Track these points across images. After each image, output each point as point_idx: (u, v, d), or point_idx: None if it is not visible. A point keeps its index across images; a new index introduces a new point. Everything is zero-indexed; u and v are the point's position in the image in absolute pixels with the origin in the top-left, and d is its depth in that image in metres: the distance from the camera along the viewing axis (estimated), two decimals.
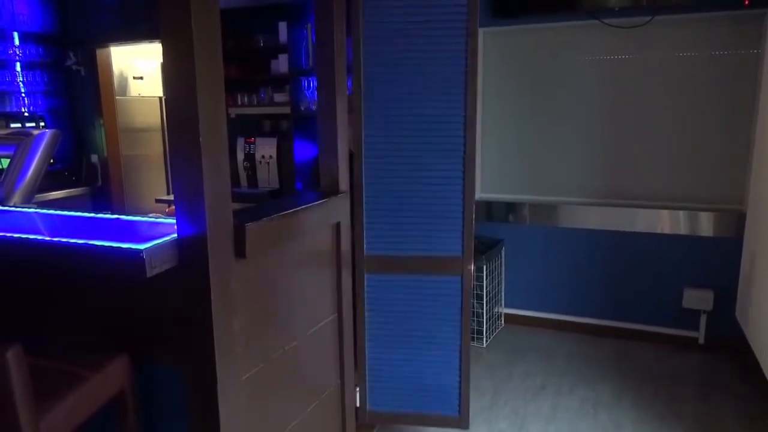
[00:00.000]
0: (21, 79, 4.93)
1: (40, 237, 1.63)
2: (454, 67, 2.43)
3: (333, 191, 2.19)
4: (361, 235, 2.55)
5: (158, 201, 4.86)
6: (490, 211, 4.11)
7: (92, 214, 2.01)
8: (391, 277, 2.59)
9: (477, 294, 3.75)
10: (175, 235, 1.52)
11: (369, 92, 2.49)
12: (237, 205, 1.80)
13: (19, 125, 4.76)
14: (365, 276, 2.59)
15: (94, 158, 5.34)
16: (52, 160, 3.66)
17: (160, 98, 5.66)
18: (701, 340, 3.67)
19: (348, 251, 2.26)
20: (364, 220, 2.56)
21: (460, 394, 2.64)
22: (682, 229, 3.64)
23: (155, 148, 5.87)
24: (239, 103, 4.73)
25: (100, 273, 1.69)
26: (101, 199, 5.29)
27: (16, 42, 4.87)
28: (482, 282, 3.73)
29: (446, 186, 2.49)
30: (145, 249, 1.44)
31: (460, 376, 2.63)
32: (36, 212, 2.09)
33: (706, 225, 3.59)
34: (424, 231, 2.53)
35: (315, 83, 4.19)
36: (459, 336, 2.58)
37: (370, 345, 2.66)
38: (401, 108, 2.48)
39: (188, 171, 1.45)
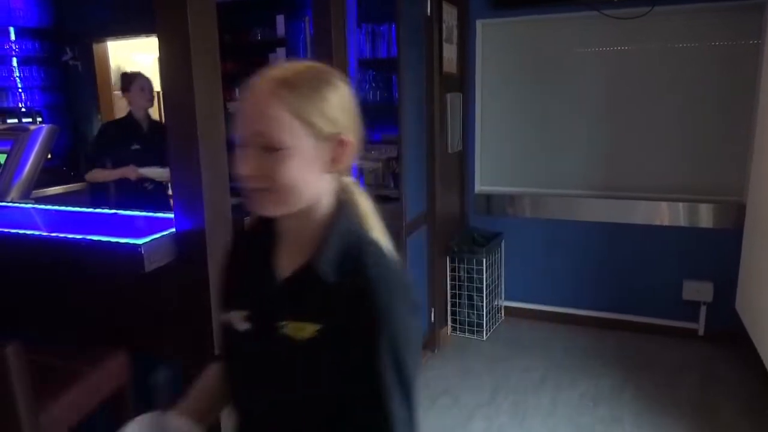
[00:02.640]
0: (18, 75, 4.90)
1: (38, 232, 1.62)
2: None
3: None
4: None
5: None
6: (490, 204, 4.10)
7: (90, 210, 2.00)
8: None
9: (477, 287, 3.75)
10: (174, 229, 1.51)
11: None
12: (235, 200, 1.79)
13: (15, 121, 4.74)
14: None
15: None
16: (49, 156, 3.65)
17: (158, 93, 5.64)
18: (701, 332, 3.67)
19: None
20: None
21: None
22: (682, 221, 3.63)
23: None
24: (237, 97, 4.71)
25: (98, 268, 1.69)
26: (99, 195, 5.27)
27: (12, 37, 4.85)
28: (482, 275, 3.72)
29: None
30: (143, 244, 1.43)
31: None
32: (34, 208, 2.08)
33: (705, 216, 3.58)
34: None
35: None
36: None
37: None
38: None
39: (186, 166, 1.44)
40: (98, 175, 3.25)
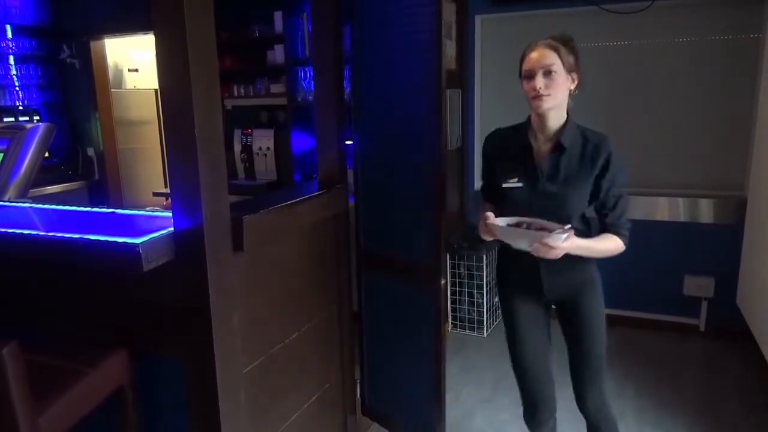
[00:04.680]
0: (15, 73, 4.88)
1: (35, 232, 1.61)
2: (431, 54, 2.24)
3: (331, 182, 2.17)
4: (357, 228, 2.52)
5: (156, 194, 4.83)
6: None
7: (88, 209, 1.99)
8: (383, 275, 2.43)
9: (477, 284, 3.74)
10: (172, 228, 1.50)
11: (365, 82, 2.45)
12: (234, 198, 1.78)
13: (12, 119, 4.72)
14: (363, 270, 2.56)
15: (91, 152, 5.30)
16: (47, 154, 3.63)
17: (156, 90, 5.62)
18: (702, 328, 3.66)
19: (346, 243, 2.24)
20: (361, 213, 2.52)
21: (430, 410, 2.35)
22: (682, 216, 3.63)
23: (152, 140, 5.84)
24: (235, 94, 4.69)
25: (96, 268, 1.67)
26: (98, 193, 5.26)
27: (9, 35, 4.83)
28: (482, 272, 3.71)
29: (422, 185, 2.21)
30: (141, 243, 1.42)
31: (434, 391, 2.33)
32: (31, 207, 2.07)
33: (706, 211, 3.57)
34: (406, 231, 2.29)
35: (311, 73, 4.15)
36: (432, 351, 2.27)
37: (367, 340, 2.62)
38: (392, 98, 2.37)
39: (184, 163, 1.43)
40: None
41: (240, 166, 4.78)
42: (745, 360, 3.29)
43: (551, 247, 1.62)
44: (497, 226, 1.69)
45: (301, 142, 4.53)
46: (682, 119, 3.57)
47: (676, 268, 3.67)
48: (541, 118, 1.80)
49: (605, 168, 1.78)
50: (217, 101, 1.49)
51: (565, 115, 1.82)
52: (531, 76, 1.77)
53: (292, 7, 4.33)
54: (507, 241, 1.72)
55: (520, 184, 1.80)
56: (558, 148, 1.79)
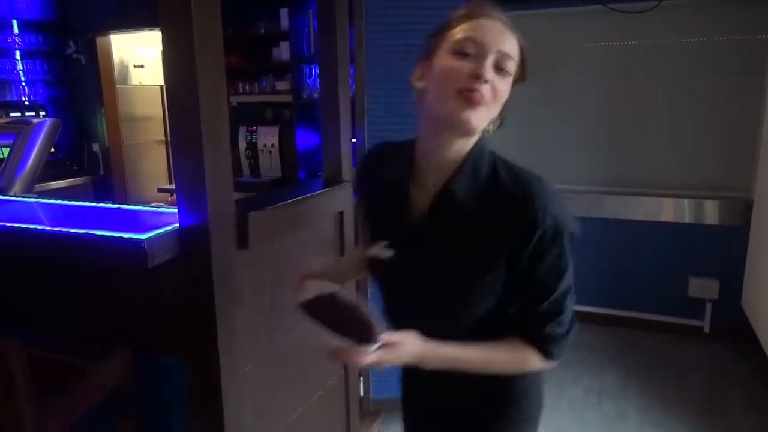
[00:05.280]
0: (21, 68, 4.90)
1: (40, 227, 1.61)
2: None
3: (336, 180, 2.17)
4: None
5: (160, 190, 4.83)
6: None
7: (93, 204, 1.99)
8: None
9: None
10: (177, 224, 1.50)
11: (371, 80, 2.45)
12: (239, 194, 1.78)
13: (19, 114, 4.73)
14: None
15: (96, 147, 5.32)
16: (53, 149, 3.62)
17: (161, 87, 5.62)
18: (706, 329, 3.65)
19: (351, 240, 2.24)
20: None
21: None
22: (688, 218, 3.61)
23: (157, 136, 5.85)
24: (240, 91, 4.69)
25: (101, 263, 1.67)
26: (103, 189, 5.27)
27: (15, 30, 4.84)
28: None
29: None
30: (146, 239, 1.42)
31: None
32: (37, 202, 2.07)
33: (711, 213, 3.56)
34: None
35: (317, 71, 4.15)
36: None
37: None
38: (404, 96, 2.41)
39: (189, 160, 1.43)
40: None
41: (245, 163, 4.79)
42: (749, 362, 3.28)
43: (354, 360, 0.92)
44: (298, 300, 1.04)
45: (305, 139, 4.53)
46: (688, 120, 3.55)
47: (681, 269, 3.65)
48: (441, 140, 1.02)
49: (521, 234, 0.98)
50: (224, 98, 1.49)
51: (472, 143, 1.05)
52: (475, 54, 0.97)
53: (298, 4, 4.32)
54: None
55: (388, 253, 1.08)
56: (444, 197, 1.03)
